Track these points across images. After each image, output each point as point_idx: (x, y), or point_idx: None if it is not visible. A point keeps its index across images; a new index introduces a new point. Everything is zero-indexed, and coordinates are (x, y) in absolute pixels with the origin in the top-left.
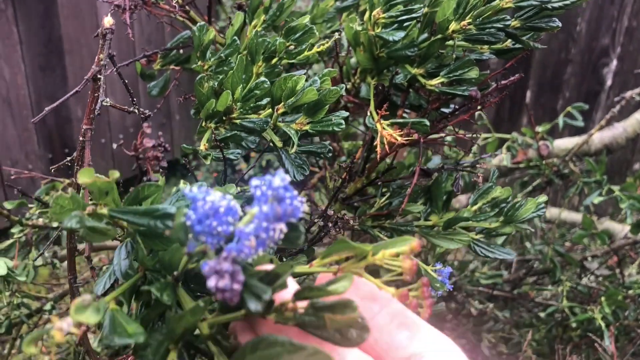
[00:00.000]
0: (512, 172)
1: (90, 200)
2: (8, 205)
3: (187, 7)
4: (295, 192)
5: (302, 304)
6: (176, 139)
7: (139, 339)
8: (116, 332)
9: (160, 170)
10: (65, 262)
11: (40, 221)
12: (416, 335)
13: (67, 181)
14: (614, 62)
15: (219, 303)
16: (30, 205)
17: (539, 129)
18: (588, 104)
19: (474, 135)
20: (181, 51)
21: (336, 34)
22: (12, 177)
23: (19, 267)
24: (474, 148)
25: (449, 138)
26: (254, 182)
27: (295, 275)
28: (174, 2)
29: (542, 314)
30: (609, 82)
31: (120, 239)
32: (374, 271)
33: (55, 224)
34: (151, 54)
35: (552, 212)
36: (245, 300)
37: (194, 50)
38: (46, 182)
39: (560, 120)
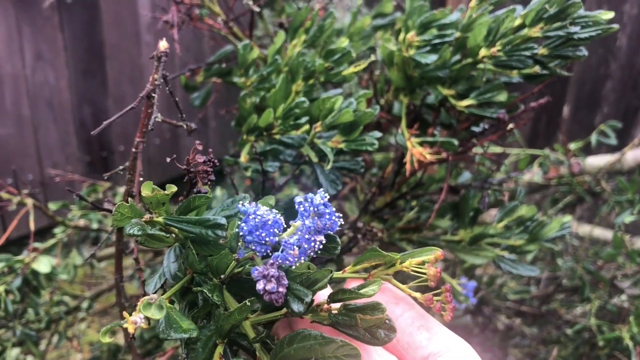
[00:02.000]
0: (544, 189)
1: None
2: (52, 206)
3: (230, 23)
4: (333, 209)
5: (335, 306)
6: (211, 144)
7: (193, 334)
8: (172, 327)
9: (209, 182)
10: (102, 263)
11: (82, 222)
12: (434, 336)
13: (107, 184)
14: None
15: (261, 304)
16: (72, 207)
17: (572, 146)
18: (627, 120)
19: (503, 152)
20: (223, 65)
21: (372, 56)
22: (55, 179)
23: (61, 266)
24: (505, 163)
25: (477, 157)
26: (298, 199)
27: (330, 281)
28: (219, 19)
29: (569, 331)
30: None
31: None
32: (401, 280)
33: (95, 226)
34: (195, 68)
35: (584, 229)
36: (289, 302)
37: (238, 67)
38: (87, 185)
39: (594, 138)
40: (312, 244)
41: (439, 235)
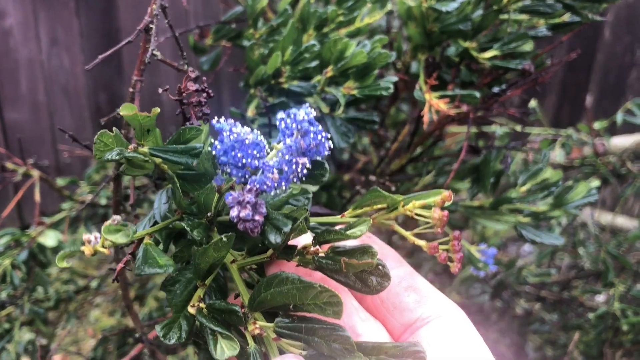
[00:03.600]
0: (566, 170)
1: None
2: (60, 181)
3: None
4: (320, 127)
5: (324, 249)
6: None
7: (169, 269)
8: (147, 263)
9: (203, 116)
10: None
11: (89, 198)
12: (424, 299)
13: None
14: None
15: (247, 245)
16: (81, 182)
17: (596, 125)
18: None
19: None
20: (233, 27)
21: (389, 6)
22: (66, 156)
23: (68, 242)
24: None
25: (510, 125)
26: (280, 114)
27: (329, 224)
28: None
29: (591, 316)
30: None
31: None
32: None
33: (103, 202)
34: (204, 27)
35: (606, 217)
36: (266, 232)
37: (247, 17)
38: (97, 162)
39: (619, 116)
40: (295, 167)
41: (457, 202)
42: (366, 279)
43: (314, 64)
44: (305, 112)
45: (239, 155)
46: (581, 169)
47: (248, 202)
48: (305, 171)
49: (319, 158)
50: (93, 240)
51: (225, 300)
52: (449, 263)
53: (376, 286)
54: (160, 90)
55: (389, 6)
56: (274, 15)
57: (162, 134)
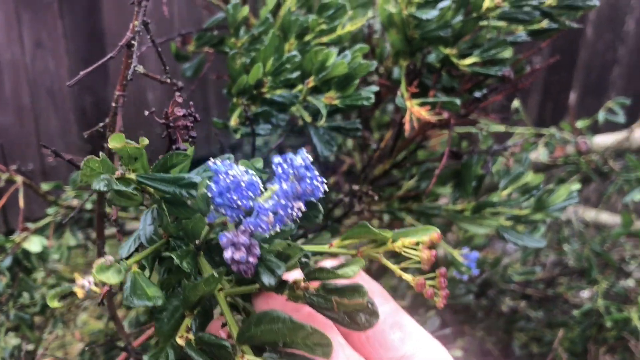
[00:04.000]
0: (550, 169)
1: (120, 165)
2: (45, 186)
3: None
4: (316, 172)
5: (314, 285)
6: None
7: (158, 302)
8: (136, 294)
9: (190, 139)
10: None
11: (75, 202)
12: (408, 337)
13: None
14: None
15: (235, 276)
16: (66, 187)
17: (579, 124)
18: (635, 106)
19: (507, 123)
20: (215, 33)
21: (369, 12)
22: (50, 160)
23: (54, 247)
24: (510, 140)
25: (492, 126)
26: (276, 159)
27: (315, 254)
28: None
29: (576, 313)
30: None
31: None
32: (388, 257)
33: (89, 206)
34: (186, 34)
35: (590, 214)
36: (260, 274)
37: (228, 27)
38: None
39: (601, 115)
40: (290, 210)
41: (439, 205)
42: (355, 316)
43: (296, 74)
44: (302, 158)
45: (235, 197)
46: (564, 168)
47: (242, 244)
48: (300, 214)
49: (312, 199)
50: (87, 285)
51: (209, 323)
52: (434, 298)
53: (364, 324)
54: (146, 113)
55: (370, 13)
56: (256, 21)
57: (148, 134)
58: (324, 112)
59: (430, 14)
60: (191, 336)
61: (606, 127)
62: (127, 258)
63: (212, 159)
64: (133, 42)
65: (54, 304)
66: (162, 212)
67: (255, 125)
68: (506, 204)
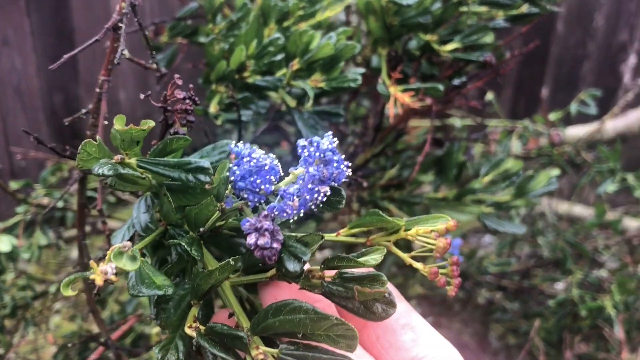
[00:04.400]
0: (523, 161)
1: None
2: (14, 184)
3: None
4: (342, 156)
5: (329, 273)
6: None
7: (168, 290)
8: (144, 283)
9: (188, 123)
10: (70, 245)
11: (46, 200)
12: (420, 338)
13: (73, 163)
14: (632, 58)
15: (244, 264)
16: (36, 185)
17: (551, 116)
18: (605, 101)
19: (483, 117)
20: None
21: (347, 1)
22: (19, 159)
23: (24, 246)
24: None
25: (464, 121)
26: (302, 142)
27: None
28: None
29: (551, 303)
30: (626, 78)
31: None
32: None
33: (60, 204)
34: (159, 24)
35: (563, 206)
36: (284, 260)
37: (205, 13)
38: (52, 164)
39: (573, 107)
40: (316, 195)
41: (421, 194)
42: (371, 306)
43: (279, 57)
44: (329, 141)
45: (258, 181)
46: (538, 160)
47: (266, 230)
48: (324, 199)
49: (335, 185)
50: (110, 271)
51: (212, 315)
52: (446, 287)
53: (381, 314)
54: (142, 96)
55: (348, 1)
56: (230, 12)
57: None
58: (311, 94)
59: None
60: (201, 326)
61: (578, 119)
62: None
63: (233, 142)
64: (120, 24)
65: (68, 292)
66: (166, 198)
67: (233, 112)
68: (487, 191)
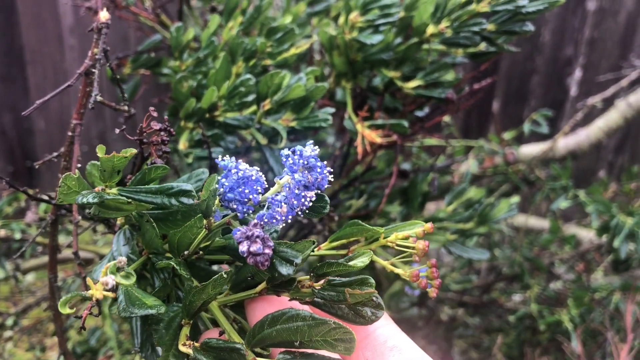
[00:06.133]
0: (480, 179)
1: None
2: None
3: (158, 10)
4: (324, 162)
5: (317, 283)
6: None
7: (160, 310)
8: (135, 305)
9: (163, 154)
10: (28, 276)
11: (3, 232)
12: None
13: (31, 191)
14: (578, 72)
15: (230, 283)
16: None
17: (505, 135)
18: (553, 113)
19: (447, 140)
20: (152, 54)
21: (314, 36)
22: None
23: None
24: (442, 155)
25: (426, 140)
26: (285, 152)
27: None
28: (147, 4)
29: (511, 318)
30: (573, 91)
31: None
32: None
33: (18, 236)
34: (122, 58)
35: (520, 219)
36: (276, 265)
37: (168, 56)
38: (8, 194)
39: (526, 126)
40: (303, 200)
41: (388, 222)
42: (360, 310)
43: (251, 97)
44: (311, 149)
45: (247, 191)
46: (493, 178)
47: (258, 237)
48: (310, 204)
49: (319, 191)
50: (111, 282)
51: (199, 335)
52: (427, 289)
53: (371, 317)
54: (117, 131)
55: (315, 37)
56: (195, 45)
57: (83, 162)
58: (283, 134)
59: (374, 38)
60: (196, 343)
61: (530, 137)
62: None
63: (220, 156)
64: (93, 69)
65: (66, 310)
66: (149, 224)
67: (203, 148)
68: (452, 219)
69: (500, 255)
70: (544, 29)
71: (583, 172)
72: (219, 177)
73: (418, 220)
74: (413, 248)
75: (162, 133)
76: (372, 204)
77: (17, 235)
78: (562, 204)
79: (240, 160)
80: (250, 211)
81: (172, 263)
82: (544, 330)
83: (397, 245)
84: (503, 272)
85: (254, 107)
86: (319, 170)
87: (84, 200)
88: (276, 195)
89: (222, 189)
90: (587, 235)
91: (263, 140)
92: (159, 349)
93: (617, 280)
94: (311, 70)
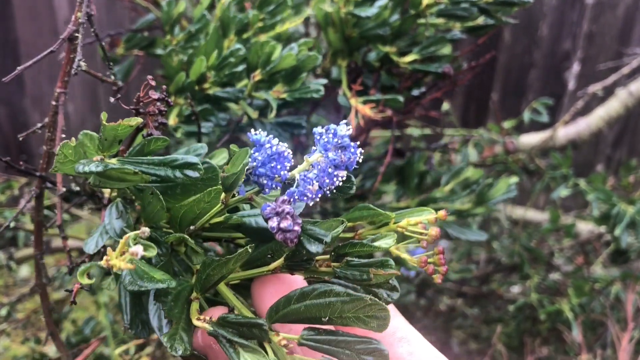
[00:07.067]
0: (479, 169)
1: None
2: None
3: None
4: (357, 142)
5: (336, 262)
6: None
7: (171, 284)
8: (143, 279)
9: (160, 125)
10: (23, 271)
11: None
12: (416, 351)
13: (24, 180)
14: (576, 66)
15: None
16: None
17: (505, 124)
18: (552, 107)
19: (441, 129)
20: (146, 35)
21: (307, 10)
22: None
23: None
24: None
25: (424, 130)
26: (318, 129)
27: None
28: None
29: (511, 308)
30: (571, 85)
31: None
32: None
33: (12, 224)
34: (114, 35)
35: (518, 212)
36: (303, 242)
37: (162, 24)
38: (1, 181)
39: (526, 115)
40: (335, 179)
41: (384, 204)
42: (376, 292)
43: (241, 68)
44: (346, 128)
45: (278, 166)
46: (493, 167)
47: (288, 213)
48: (340, 183)
49: (347, 170)
50: (140, 252)
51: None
52: (434, 276)
53: (387, 299)
54: (112, 100)
55: (308, 12)
56: (188, 24)
57: (75, 135)
58: (274, 105)
59: (369, 11)
60: (212, 318)
61: (531, 126)
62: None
63: (252, 130)
64: (77, 34)
65: (85, 280)
66: (154, 197)
67: (192, 124)
68: (449, 199)
69: (499, 247)
70: (542, 23)
71: (581, 165)
72: (251, 152)
73: (414, 199)
74: (424, 234)
75: (158, 103)
76: (367, 184)
77: (12, 224)
78: (563, 192)
79: (271, 136)
80: (278, 187)
81: (185, 236)
82: (544, 320)
83: (409, 230)
84: (502, 262)
85: (245, 81)
86: (352, 150)
87: (86, 169)
88: (308, 172)
89: (254, 163)
90: (585, 227)
91: (253, 114)
92: (150, 326)
93: (616, 272)
94: (304, 41)
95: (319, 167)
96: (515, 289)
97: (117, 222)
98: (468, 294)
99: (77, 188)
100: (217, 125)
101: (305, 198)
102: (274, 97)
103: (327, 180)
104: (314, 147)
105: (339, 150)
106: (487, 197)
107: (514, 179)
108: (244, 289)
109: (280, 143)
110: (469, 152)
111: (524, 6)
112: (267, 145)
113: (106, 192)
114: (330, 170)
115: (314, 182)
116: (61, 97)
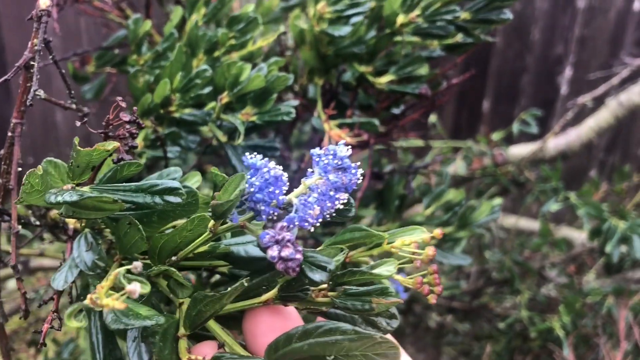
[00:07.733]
0: (468, 181)
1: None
2: None
3: (122, 5)
4: (357, 163)
5: (333, 292)
6: None
7: (159, 320)
8: (128, 316)
9: (130, 149)
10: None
11: None
12: None
13: None
14: (568, 70)
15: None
16: None
17: (494, 136)
18: (544, 112)
19: (427, 141)
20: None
21: (282, 27)
22: None
23: None
24: (429, 155)
25: (412, 141)
26: (316, 151)
27: None
28: None
29: (501, 325)
30: (563, 90)
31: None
32: None
33: None
34: (83, 53)
35: (510, 220)
36: (306, 272)
37: (129, 42)
38: None
39: (515, 127)
40: (336, 202)
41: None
42: (375, 321)
43: (207, 90)
44: (346, 148)
45: (276, 191)
46: (482, 180)
47: (289, 240)
48: (342, 207)
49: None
50: (138, 289)
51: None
52: (429, 296)
53: (386, 327)
54: (78, 124)
55: (282, 28)
56: (161, 38)
57: (59, 157)
58: (241, 129)
59: (343, 30)
60: (200, 357)
61: (520, 137)
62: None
63: (247, 154)
64: (33, 62)
65: (73, 323)
66: (133, 226)
67: (160, 148)
68: (430, 223)
69: (491, 258)
70: (533, 28)
71: (574, 171)
72: (248, 176)
73: (394, 223)
74: (418, 254)
75: (128, 126)
76: None
77: None
78: (553, 206)
79: (267, 159)
80: (276, 213)
81: (171, 269)
82: (535, 338)
83: (402, 251)
84: (493, 276)
85: (213, 103)
86: (353, 171)
87: (58, 199)
88: (307, 196)
89: (252, 189)
90: (579, 236)
91: (223, 138)
92: None
93: (609, 283)
94: (275, 61)
95: (319, 190)
96: (508, 303)
97: (87, 255)
98: (458, 309)
99: (37, 222)
100: (187, 148)
101: (306, 224)
102: (243, 120)
103: (329, 204)
104: (310, 170)
105: (340, 172)
106: (470, 219)
107: (498, 201)
108: (231, 319)
109: (278, 167)
110: (458, 164)
111: (503, 23)
112: (265, 170)
113: (70, 222)
114: (331, 193)
115: (315, 206)
116: (17, 128)
